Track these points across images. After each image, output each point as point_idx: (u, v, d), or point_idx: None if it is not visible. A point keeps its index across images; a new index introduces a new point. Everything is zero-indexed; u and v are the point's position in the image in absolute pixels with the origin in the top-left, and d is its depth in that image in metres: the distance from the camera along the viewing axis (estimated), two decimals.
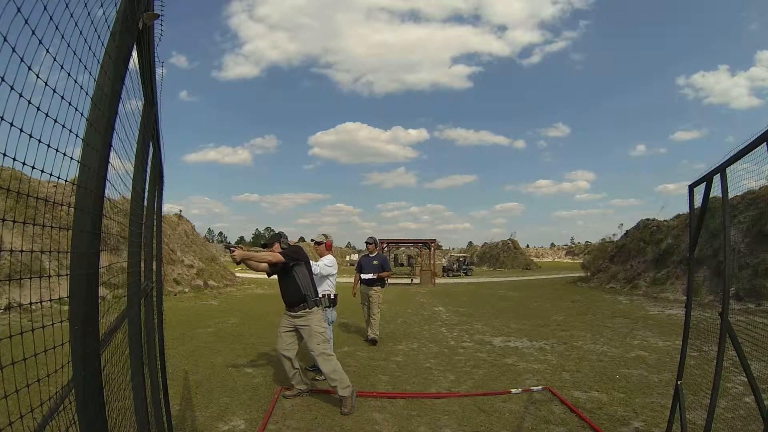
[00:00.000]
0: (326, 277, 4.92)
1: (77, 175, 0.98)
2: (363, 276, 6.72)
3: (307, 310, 4.00)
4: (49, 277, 1.09)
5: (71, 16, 0.87)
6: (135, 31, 1.24)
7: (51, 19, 0.80)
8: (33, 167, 0.79)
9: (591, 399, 4.07)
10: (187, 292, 14.20)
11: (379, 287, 6.71)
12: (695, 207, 2.81)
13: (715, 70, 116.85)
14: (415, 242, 26.23)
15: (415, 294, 15.75)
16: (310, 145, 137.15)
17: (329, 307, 4.88)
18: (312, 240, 5.18)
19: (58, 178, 0.86)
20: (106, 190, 1.05)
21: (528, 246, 74.70)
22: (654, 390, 4.28)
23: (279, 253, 4.02)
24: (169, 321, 6.18)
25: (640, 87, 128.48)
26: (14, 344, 0.82)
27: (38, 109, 0.78)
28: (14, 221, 0.91)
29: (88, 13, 0.94)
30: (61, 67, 0.86)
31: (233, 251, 3.91)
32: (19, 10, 0.71)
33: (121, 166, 1.43)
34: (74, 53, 0.90)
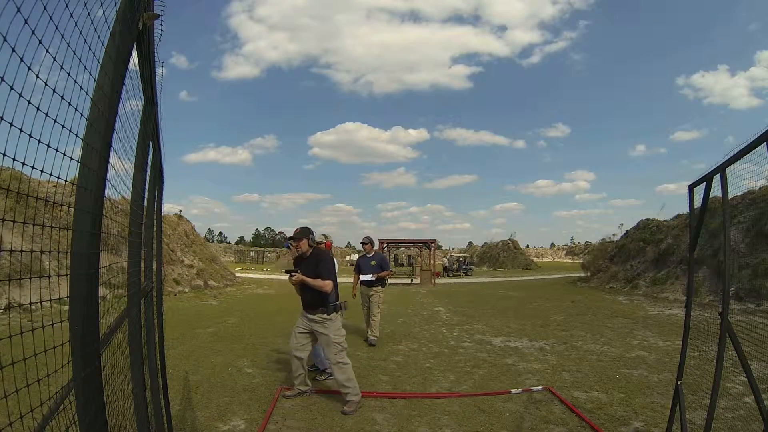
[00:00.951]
0: None
1: (77, 175, 0.98)
2: (362, 277, 6.69)
3: (326, 315, 3.95)
4: (49, 277, 1.09)
5: (71, 16, 0.86)
6: (135, 31, 1.24)
7: (51, 19, 0.80)
8: (33, 167, 0.79)
9: (591, 399, 4.07)
10: (187, 292, 14.20)
11: (380, 288, 6.65)
12: (695, 207, 2.81)
13: (715, 70, 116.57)
14: (415, 242, 26.22)
15: (415, 294, 15.75)
16: (310, 145, 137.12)
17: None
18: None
19: (58, 178, 0.86)
20: (106, 190, 1.05)
21: (528, 246, 74.66)
22: (654, 390, 4.28)
23: (327, 279, 3.95)
24: (169, 321, 6.18)
25: (640, 87, 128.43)
26: (14, 344, 0.82)
27: (38, 109, 0.78)
28: (14, 221, 0.91)
29: (88, 13, 0.94)
30: (61, 67, 0.86)
31: (293, 276, 3.93)
32: (18, 10, 0.71)
33: (121, 166, 1.42)
34: (74, 53, 0.90)
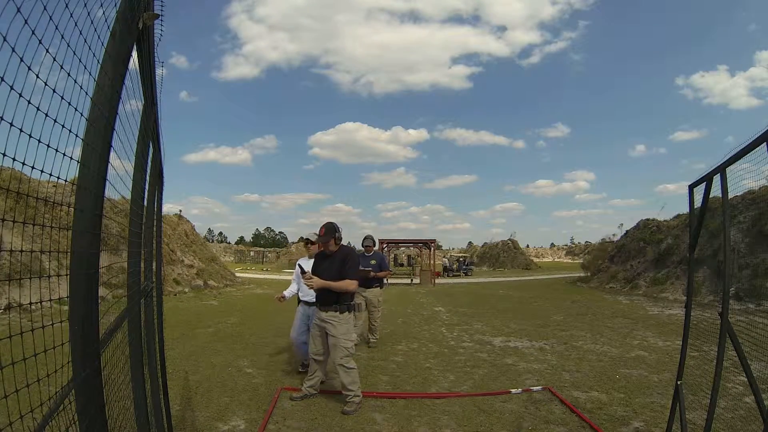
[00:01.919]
0: None
1: (77, 175, 0.98)
2: None
3: (338, 314, 3.92)
4: (49, 277, 1.09)
5: (71, 16, 0.86)
6: (135, 31, 1.24)
7: (51, 19, 0.80)
8: (33, 167, 0.79)
9: (591, 399, 4.06)
10: (187, 292, 14.20)
11: (378, 288, 6.56)
12: (695, 207, 2.81)
13: (715, 70, 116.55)
14: (415, 242, 26.23)
15: (415, 294, 15.75)
16: (310, 145, 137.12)
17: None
18: (303, 238, 5.06)
19: (58, 178, 0.86)
20: (106, 190, 1.05)
21: (528, 246, 74.64)
22: (654, 390, 4.28)
23: (352, 280, 3.93)
24: (169, 321, 6.18)
25: (640, 87, 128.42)
26: (14, 344, 0.82)
27: (38, 109, 0.78)
28: (14, 221, 0.91)
29: (88, 13, 0.94)
30: (61, 68, 0.86)
31: (311, 278, 3.89)
32: (18, 10, 0.71)
33: (121, 166, 1.42)
34: (74, 53, 0.90)
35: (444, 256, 35.67)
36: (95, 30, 0.99)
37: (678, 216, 16.38)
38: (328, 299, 3.95)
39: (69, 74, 0.88)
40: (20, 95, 0.73)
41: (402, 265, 31.73)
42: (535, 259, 51.99)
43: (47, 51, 0.80)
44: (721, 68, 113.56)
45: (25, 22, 0.73)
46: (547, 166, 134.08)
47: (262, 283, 19.74)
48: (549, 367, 5.26)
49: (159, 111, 2.28)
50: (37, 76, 0.78)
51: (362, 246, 6.73)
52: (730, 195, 2.31)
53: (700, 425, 2.90)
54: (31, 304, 1.12)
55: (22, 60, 0.73)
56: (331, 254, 4.03)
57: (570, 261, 56.05)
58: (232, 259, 51.80)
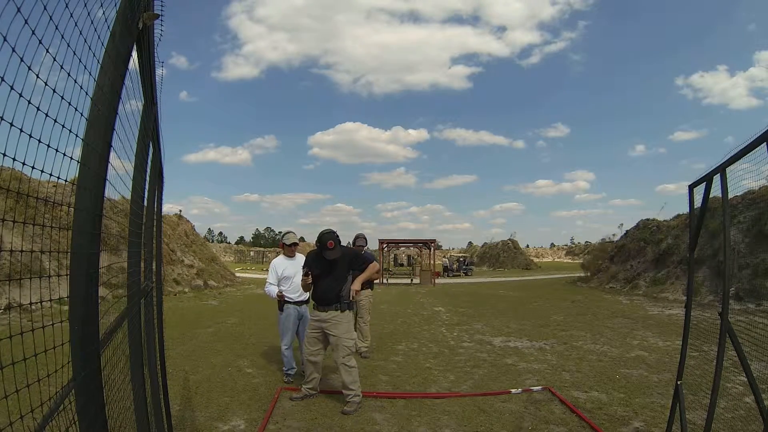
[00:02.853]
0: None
1: (77, 175, 0.97)
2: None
3: (339, 312, 3.93)
4: (49, 277, 1.09)
5: (71, 16, 0.86)
6: (135, 31, 1.24)
7: (51, 19, 0.80)
8: (33, 167, 0.79)
9: (591, 399, 4.07)
10: (187, 292, 14.20)
11: (368, 290, 6.04)
12: (695, 207, 2.81)
13: (714, 70, 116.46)
14: (414, 242, 26.24)
15: (415, 294, 15.75)
16: (310, 146, 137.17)
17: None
18: (288, 243, 4.80)
19: (58, 178, 0.86)
20: (106, 190, 1.05)
21: (528, 246, 74.62)
22: (654, 390, 4.28)
23: (373, 263, 4.15)
24: (169, 321, 6.19)
25: (639, 87, 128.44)
26: (14, 344, 0.82)
27: (38, 109, 0.77)
28: (14, 221, 0.91)
29: (88, 14, 0.94)
30: (61, 68, 0.86)
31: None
32: (18, 10, 0.71)
33: (121, 166, 1.42)
34: (74, 53, 0.90)
35: (444, 256, 35.68)
36: (95, 30, 0.99)
37: (678, 216, 16.38)
38: (328, 299, 3.95)
39: (69, 74, 0.88)
40: (20, 95, 0.73)
41: (402, 265, 31.72)
42: (535, 259, 51.98)
43: (47, 51, 0.80)
44: (720, 68, 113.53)
45: (25, 22, 0.73)
46: (547, 166, 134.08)
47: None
48: (549, 367, 5.26)
49: (159, 111, 2.28)
50: (37, 76, 0.78)
51: (353, 245, 6.28)
52: (730, 195, 2.31)
53: (700, 425, 2.90)
54: (31, 304, 1.12)
55: (22, 60, 0.73)
56: (333, 258, 3.99)
57: (570, 261, 56.04)
58: (232, 259, 51.81)
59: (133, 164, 1.75)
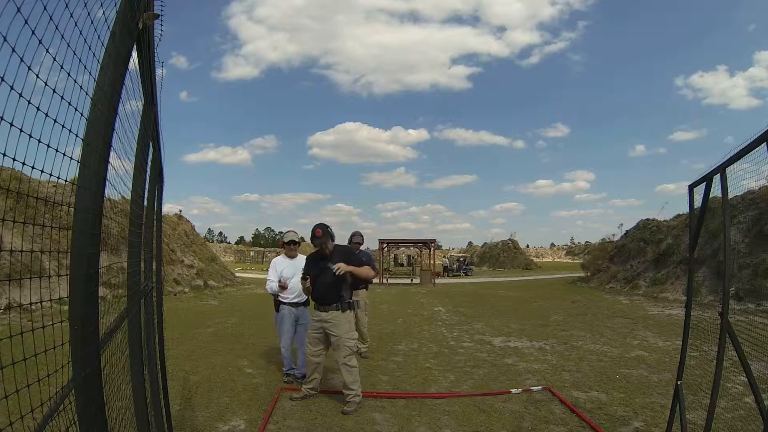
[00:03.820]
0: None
1: (77, 175, 0.97)
2: None
3: (339, 312, 3.92)
4: (49, 277, 1.09)
5: (71, 16, 0.86)
6: (135, 31, 1.24)
7: (51, 19, 0.80)
8: (33, 167, 0.79)
9: (591, 399, 4.07)
10: (187, 292, 14.20)
11: (363, 291, 5.77)
12: (695, 207, 2.81)
13: (714, 70, 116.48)
14: (414, 242, 26.24)
15: (415, 294, 15.75)
16: (310, 145, 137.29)
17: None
18: (286, 240, 4.76)
19: (58, 178, 0.86)
20: (106, 190, 1.05)
21: (528, 246, 74.55)
22: (654, 390, 4.28)
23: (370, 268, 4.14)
24: (169, 321, 6.18)
25: (639, 87, 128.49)
26: (14, 344, 0.82)
27: (38, 109, 0.78)
28: (14, 221, 0.91)
29: (88, 14, 0.94)
30: (61, 68, 0.86)
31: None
32: (18, 10, 0.71)
33: (121, 166, 1.42)
34: (74, 53, 0.90)
35: (444, 256, 35.67)
36: (95, 30, 0.99)
37: (678, 216, 16.38)
38: (328, 298, 3.95)
39: (69, 74, 0.88)
40: (20, 95, 0.73)
41: (402, 265, 31.71)
42: (535, 259, 51.99)
43: (47, 51, 0.80)
44: (720, 68, 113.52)
45: (25, 22, 0.73)
46: (547, 166, 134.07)
47: (263, 283, 19.71)
48: (549, 367, 5.26)
49: (159, 111, 2.28)
50: (37, 76, 0.78)
51: (350, 243, 6.11)
52: (730, 195, 2.31)
53: (700, 425, 2.90)
54: (31, 304, 1.12)
55: (22, 60, 0.73)
56: (327, 255, 4.03)
57: (570, 261, 56.04)
58: (232, 259, 51.81)
59: (133, 164, 1.75)
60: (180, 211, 20.77)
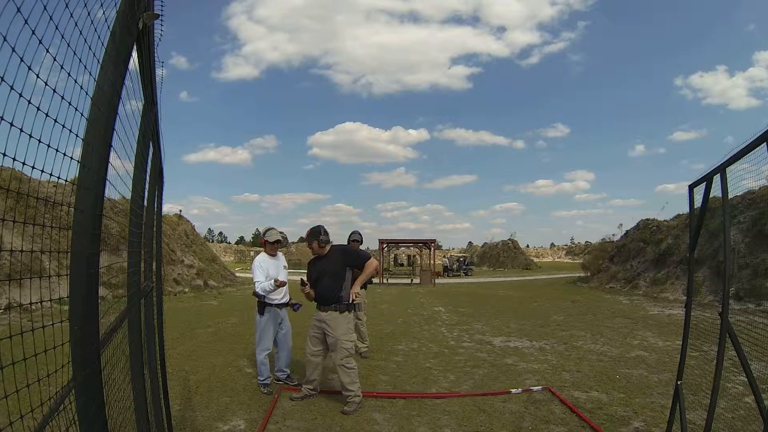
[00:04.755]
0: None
1: (77, 175, 0.98)
2: None
3: (338, 313, 3.92)
4: (49, 277, 1.09)
5: (71, 16, 0.86)
6: (135, 31, 1.24)
7: (51, 19, 0.80)
8: (33, 167, 0.79)
9: (591, 399, 4.07)
10: (187, 292, 14.20)
11: (363, 290, 6.16)
12: (695, 207, 2.81)
13: (714, 71, 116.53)
14: (415, 242, 26.23)
15: (415, 294, 15.75)
16: (310, 145, 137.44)
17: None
18: (272, 240, 4.59)
19: (58, 178, 0.87)
20: (106, 190, 1.05)
21: (528, 246, 74.51)
22: (654, 390, 4.28)
23: (369, 260, 4.04)
24: (169, 321, 6.18)
25: (639, 87, 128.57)
26: (14, 344, 0.82)
27: (38, 109, 0.78)
28: (14, 221, 0.91)
29: (88, 13, 0.94)
30: (62, 68, 0.86)
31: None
32: (18, 9, 0.71)
33: (121, 166, 1.42)
34: (74, 53, 0.90)
35: (444, 256, 35.68)
36: (95, 30, 0.99)
37: (678, 216, 16.38)
38: (327, 299, 3.95)
39: (69, 74, 0.88)
40: (20, 95, 0.73)
41: (402, 265, 31.71)
42: (535, 259, 51.97)
43: (47, 51, 0.80)
44: (720, 68, 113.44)
45: (25, 22, 0.73)
46: (547, 166, 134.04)
47: None
48: (549, 367, 5.26)
49: (159, 111, 2.28)
50: (38, 76, 0.78)
51: (348, 243, 6.01)
52: (730, 195, 2.31)
53: (700, 425, 2.90)
54: (31, 304, 1.12)
55: (22, 60, 0.73)
56: (324, 256, 4.06)
57: (570, 261, 56.02)
58: (232, 259, 51.81)
59: (133, 164, 1.75)
60: (180, 211, 20.77)
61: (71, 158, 0.91)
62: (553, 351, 6.11)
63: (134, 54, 1.32)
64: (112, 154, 1.09)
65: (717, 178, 2.35)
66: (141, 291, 1.96)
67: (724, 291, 2.41)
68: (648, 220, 18.12)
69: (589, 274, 20.13)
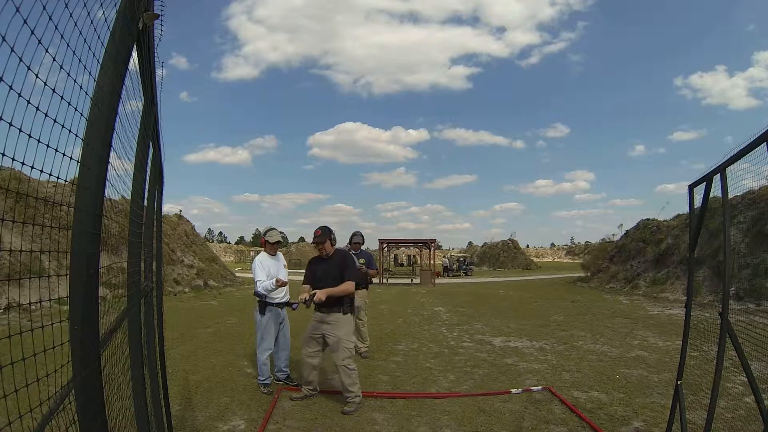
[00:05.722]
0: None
1: (77, 175, 0.97)
2: None
3: (340, 314, 3.92)
4: (49, 277, 1.09)
5: (71, 16, 0.86)
6: (135, 31, 1.24)
7: (51, 19, 0.79)
8: (33, 167, 0.79)
9: (591, 399, 4.06)
10: (187, 292, 14.20)
11: (364, 290, 5.85)
12: (695, 207, 2.81)
13: (713, 71, 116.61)
14: (415, 242, 26.24)
15: (415, 294, 15.75)
16: (310, 146, 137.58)
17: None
18: (272, 241, 4.60)
19: (58, 178, 0.86)
20: (106, 190, 1.05)
21: (528, 246, 74.53)
22: (654, 390, 4.28)
23: (351, 281, 3.95)
24: (169, 321, 6.18)
25: (638, 88, 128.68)
26: (14, 344, 0.82)
27: (38, 109, 0.77)
28: (14, 221, 0.91)
29: (88, 13, 0.94)
30: (61, 68, 0.86)
31: (306, 302, 3.86)
32: (18, 9, 0.71)
33: (121, 166, 1.42)
34: (74, 53, 0.90)
35: (444, 256, 35.67)
36: (95, 30, 0.99)
37: (678, 216, 16.39)
38: (328, 300, 3.94)
39: (69, 74, 0.88)
40: (20, 95, 0.72)
41: (402, 265, 31.71)
42: (535, 259, 51.98)
43: (47, 51, 0.80)
44: (719, 69, 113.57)
45: (25, 22, 0.73)
46: (547, 166, 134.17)
47: None
48: (549, 367, 5.26)
49: (159, 111, 2.28)
50: (37, 76, 0.78)
51: (350, 243, 6.11)
52: (730, 195, 2.31)
53: (700, 425, 2.90)
54: (30, 304, 1.12)
55: (21, 60, 0.73)
56: (327, 257, 4.05)
57: (570, 261, 56.02)
58: (232, 259, 51.82)
59: (133, 164, 1.75)
60: (180, 211, 20.79)
61: (71, 158, 0.91)
62: (553, 351, 6.11)
63: (134, 54, 1.32)
64: (112, 154, 1.09)
65: (717, 178, 2.35)
66: (141, 291, 1.96)
67: (724, 291, 2.41)
68: (648, 220, 18.13)
69: (589, 274, 20.13)
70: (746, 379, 2.18)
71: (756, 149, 1.92)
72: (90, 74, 1.00)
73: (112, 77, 1.06)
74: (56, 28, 0.82)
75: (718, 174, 2.31)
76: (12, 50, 0.71)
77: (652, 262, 15.46)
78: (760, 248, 10.85)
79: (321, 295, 3.83)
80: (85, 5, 0.92)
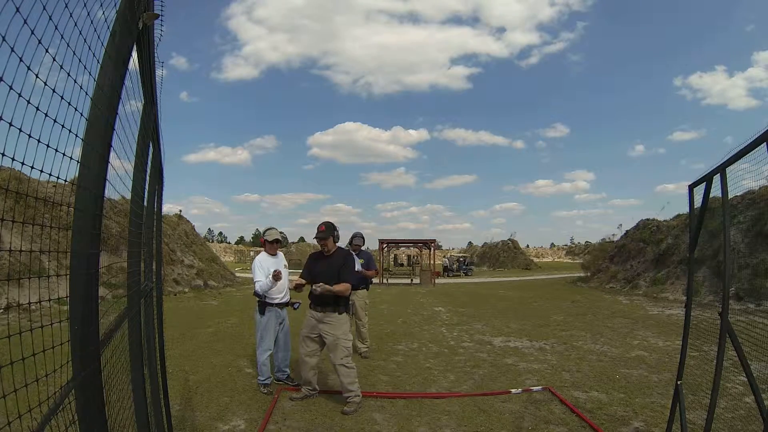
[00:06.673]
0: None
1: (77, 175, 0.97)
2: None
3: (337, 314, 3.91)
4: (49, 277, 1.09)
5: (71, 16, 0.86)
6: (135, 31, 1.24)
7: (51, 19, 0.79)
8: (33, 167, 0.79)
9: (591, 399, 4.06)
10: (187, 292, 14.20)
11: (364, 291, 5.87)
12: (695, 207, 2.81)
13: (713, 71, 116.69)
14: (414, 242, 26.23)
15: (415, 294, 15.74)
16: (310, 146, 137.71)
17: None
18: (270, 239, 4.60)
19: (58, 178, 0.86)
20: (106, 190, 1.05)
21: (528, 246, 74.48)
22: (654, 390, 4.28)
23: (347, 283, 3.94)
24: (169, 321, 6.18)
25: (638, 88, 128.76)
26: (14, 344, 0.82)
27: (38, 109, 0.77)
28: (14, 221, 0.91)
29: (88, 13, 0.94)
30: (61, 68, 0.86)
31: (319, 285, 3.84)
32: (18, 9, 0.71)
33: (121, 166, 1.42)
34: (74, 53, 0.90)
35: (444, 256, 35.67)
36: (95, 30, 0.99)
37: (678, 216, 16.39)
38: (326, 300, 3.94)
39: (69, 74, 0.88)
40: (20, 95, 0.72)
41: (402, 265, 31.70)
42: (535, 259, 51.96)
43: (47, 51, 0.80)
44: (719, 69, 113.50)
45: (25, 22, 0.73)
46: (547, 166, 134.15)
47: None
48: (549, 367, 5.26)
49: (159, 111, 2.28)
50: (37, 77, 0.78)
51: (350, 244, 6.11)
52: (730, 195, 2.31)
53: (700, 425, 2.90)
54: (30, 304, 1.12)
55: (21, 60, 0.73)
56: (328, 255, 4.03)
57: (570, 261, 55.99)
58: (232, 259, 51.81)
59: (133, 164, 1.75)
60: (180, 211, 20.80)
61: (71, 158, 0.91)
62: (553, 351, 6.11)
63: (134, 54, 1.32)
64: (112, 154, 1.09)
65: (717, 178, 2.35)
66: (141, 291, 1.96)
67: (724, 291, 2.41)
68: (648, 220, 18.13)
69: (588, 274, 20.13)
70: (746, 379, 2.18)
71: (756, 149, 1.92)
72: (90, 74, 1.00)
73: (112, 77, 1.06)
74: (56, 28, 0.82)
75: (718, 174, 2.31)
76: (12, 50, 0.71)
77: (652, 262, 15.46)
78: (760, 248, 10.85)
79: (321, 289, 3.81)
80: (85, 5, 0.92)
